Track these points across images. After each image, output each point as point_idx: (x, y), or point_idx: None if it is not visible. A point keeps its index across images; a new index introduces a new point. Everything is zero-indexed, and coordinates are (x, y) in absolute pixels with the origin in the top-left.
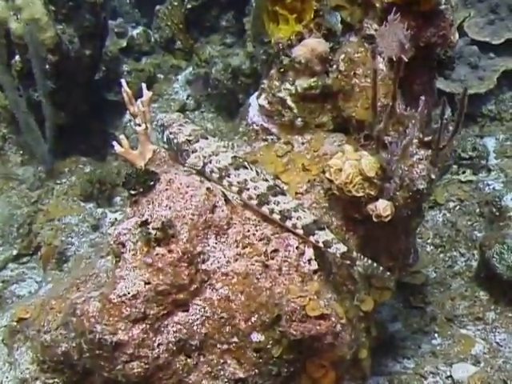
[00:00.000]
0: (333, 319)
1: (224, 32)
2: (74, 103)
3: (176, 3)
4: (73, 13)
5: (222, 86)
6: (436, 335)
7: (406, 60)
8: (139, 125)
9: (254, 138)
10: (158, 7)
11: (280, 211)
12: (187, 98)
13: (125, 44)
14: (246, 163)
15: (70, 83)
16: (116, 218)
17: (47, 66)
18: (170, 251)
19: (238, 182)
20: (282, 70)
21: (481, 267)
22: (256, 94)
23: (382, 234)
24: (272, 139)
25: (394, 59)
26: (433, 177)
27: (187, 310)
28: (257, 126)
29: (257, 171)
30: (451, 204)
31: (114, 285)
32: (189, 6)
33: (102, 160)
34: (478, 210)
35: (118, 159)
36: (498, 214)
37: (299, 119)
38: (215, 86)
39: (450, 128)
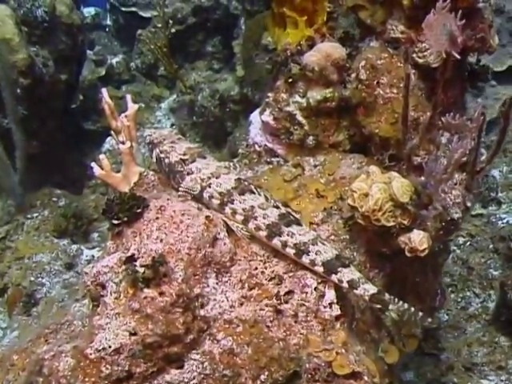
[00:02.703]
0: (365, 378)
1: (210, 58)
2: (48, 131)
3: (160, 25)
4: (47, 34)
5: (209, 114)
6: None
7: (458, 57)
8: (123, 143)
9: (255, 161)
10: (139, 31)
11: (295, 244)
12: (171, 127)
13: (103, 72)
14: (252, 187)
15: (44, 110)
16: (93, 256)
17: (18, 90)
18: (161, 294)
19: (244, 210)
20: (290, 80)
21: (500, 309)
22: (258, 109)
23: (409, 271)
24: (278, 162)
25: (444, 55)
26: (468, 205)
27: (182, 367)
28: (259, 146)
29: (266, 196)
30: (461, 239)
31: (92, 336)
32: (173, 30)
33: (78, 193)
34: (491, 246)
35: (96, 192)
36: None
37: (311, 137)
38: (201, 114)
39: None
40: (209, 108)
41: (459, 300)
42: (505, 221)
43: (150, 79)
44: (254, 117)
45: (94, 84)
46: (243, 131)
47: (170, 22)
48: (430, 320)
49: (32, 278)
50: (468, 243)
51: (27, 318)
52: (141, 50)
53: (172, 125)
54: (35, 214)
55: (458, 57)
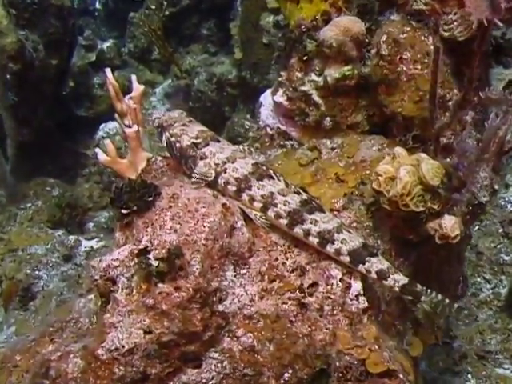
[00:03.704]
0: (401, 376)
1: (205, 41)
2: (39, 119)
3: (154, 7)
4: (37, 17)
5: (206, 99)
6: (469, 376)
7: (501, 25)
8: (129, 126)
9: (268, 145)
10: (132, 14)
11: (319, 233)
12: None
13: (94, 58)
14: (271, 172)
15: (35, 96)
16: (92, 247)
17: (8, 76)
18: (177, 289)
19: (263, 196)
20: (305, 57)
21: None
22: (269, 90)
23: (434, 259)
24: (292, 145)
25: (485, 23)
26: (496, 187)
27: (199, 366)
28: (271, 129)
29: (286, 182)
30: None
31: (103, 335)
32: (166, 13)
33: (72, 182)
34: (501, 230)
35: (90, 181)
36: None
37: (328, 119)
38: (198, 99)
39: None
40: (206, 92)
41: (470, 286)
42: None
43: (143, 64)
44: (265, 98)
45: (85, 70)
46: (242, 116)
47: (164, 3)
48: (466, 312)
49: (28, 271)
50: (477, 227)
51: (24, 313)
52: (133, 33)
53: (167, 110)
54: (28, 205)
55: (501, 24)
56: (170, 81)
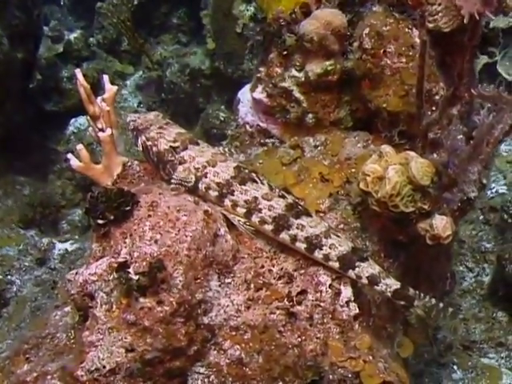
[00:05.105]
0: None
1: (176, 30)
2: (7, 115)
3: None
4: None
5: (179, 90)
6: (455, 367)
7: (493, 18)
8: (102, 130)
9: (248, 143)
10: (99, 4)
11: (306, 238)
12: (138, 106)
13: (61, 49)
14: (254, 175)
15: (1, 91)
16: (67, 249)
17: None
18: (159, 303)
19: (246, 201)
20: (285, 52)
21: (497, 284)
22: (248, 86)
23: (424, 258)
24: (273, 143)
25: (477, 16)
26: (484, 182)
27: (185, 382)
28: (251, 127)
29: (270, 185)
30: None
31: (82, 355)
32: (135, 3)
33: (43, 179)
34: (481, 218)
35: (62, 177)
36: (511, 221)
37: (310, 115)
38: (170, 91)
39: None
40: (178, 84)
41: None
42: (493, 190)
43: (113, 55)
44: (243, 94)
45: (53, 62)
46: (216, 107)
47: None
48: (461, 317)
49: (0, 276)
50: None
51: None
52: (101, 24)
53: (139, 103)
54: None
55: (493, 17)
56: (141, 72)
